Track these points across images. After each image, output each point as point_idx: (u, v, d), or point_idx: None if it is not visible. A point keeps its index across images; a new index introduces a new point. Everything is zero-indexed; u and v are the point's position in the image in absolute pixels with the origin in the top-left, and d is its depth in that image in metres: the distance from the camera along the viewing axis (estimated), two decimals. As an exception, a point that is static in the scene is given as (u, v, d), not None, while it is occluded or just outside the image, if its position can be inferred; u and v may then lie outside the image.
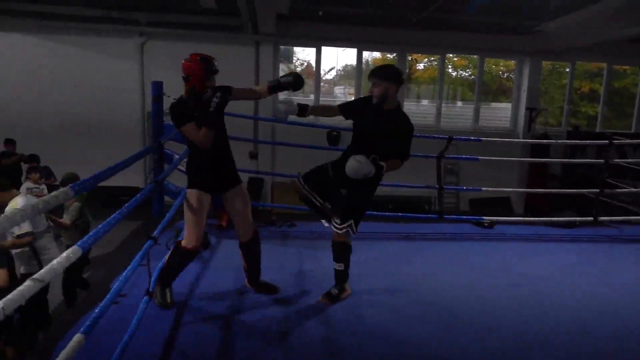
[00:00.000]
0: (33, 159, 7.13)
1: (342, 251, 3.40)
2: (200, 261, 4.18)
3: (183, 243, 3.19)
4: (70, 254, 1.56)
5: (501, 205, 8.74)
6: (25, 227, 3.97)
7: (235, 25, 9.03)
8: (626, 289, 4.03)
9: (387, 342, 2.95)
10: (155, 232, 2.96)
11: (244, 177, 4.81)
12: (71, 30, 8.98)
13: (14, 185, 5.04)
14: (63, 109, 9.28)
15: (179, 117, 3.04)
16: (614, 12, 7.42)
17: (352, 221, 3.29)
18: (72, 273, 4.94)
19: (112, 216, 2.06)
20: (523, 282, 4.09)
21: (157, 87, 5.07)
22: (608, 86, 10.85)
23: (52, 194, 1.58)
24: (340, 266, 3.43)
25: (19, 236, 3.94)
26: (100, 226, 1.95)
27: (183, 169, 5.36)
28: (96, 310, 1.99)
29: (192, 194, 3.19)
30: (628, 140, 7.29)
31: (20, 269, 4.17)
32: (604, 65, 10.79)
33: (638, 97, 10.97)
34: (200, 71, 3.03)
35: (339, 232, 3.31)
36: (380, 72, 3.25)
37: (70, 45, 9.15)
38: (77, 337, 1.75)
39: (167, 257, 3.37)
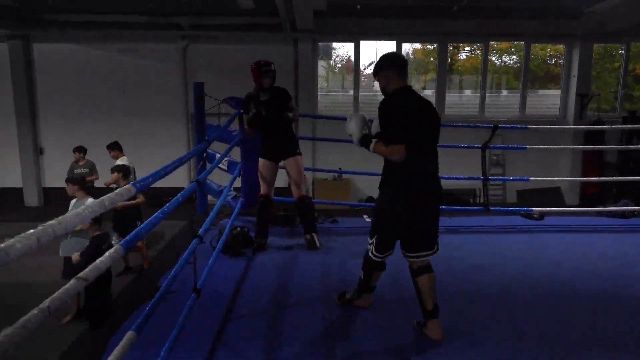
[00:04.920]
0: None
1: (365, 261, 3.16)
2: (245, 260, 4.25)
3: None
4: (113, 253, 1.62)
5: (551, 195, 8.38)
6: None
7: (273, 24, 9.10)
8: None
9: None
10: (200, 231, 3.02)
11: (286, 174, 4.88)
12: (116, 37, 9.33)
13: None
14: (111, 114, 9.66)
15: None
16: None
17: (374, 238, 2.99)
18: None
19: (153, 215, 2.11)
20: (576, 275, 3.91)
21: (199, 88, 5.18)
22: (667, 67, 10.18)
23: (117, 191, 1.64)
24: (361, 273, 3.22)
25: None
26: (142, 225, 2.00)
27: (224, 167, 5.48)
28: (147, 308, 2.05)
29: None
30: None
31: None
32: (662, 44, 10.13)
33: (701, 77, 10.24)
34: None
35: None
36: (374, 69, 3.01)
37: (116, 52, 9.50)
38: (129, 334, 1.80)
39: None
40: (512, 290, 3.62)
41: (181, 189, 2.91)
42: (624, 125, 8.86)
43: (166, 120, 9.67)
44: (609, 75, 10.92)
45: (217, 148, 5.67)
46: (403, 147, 2.70)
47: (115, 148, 6.79)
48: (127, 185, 1.63)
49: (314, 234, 4.60)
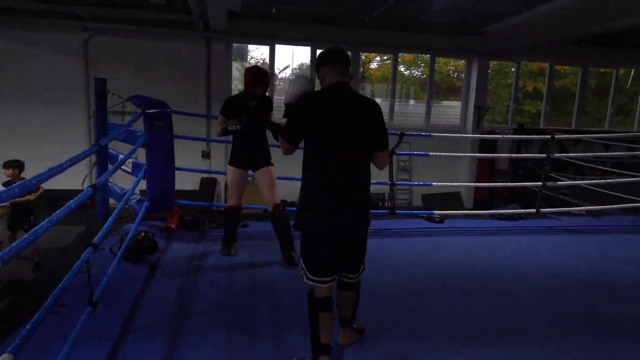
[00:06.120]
0: None
1: (307, 302, 2.66)
2: (147, 266, 4.05)
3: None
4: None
5: (452, 200, 8.98)
6: None
7: (184, 21, 8.82)
8: (567, 275, 4.24)
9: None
10: (95, 239, 2.83)
11: (197, 177, 4.73)
12: (11, 24, 8.51)
13: None
14: (2, 108, 8.79)
15: None
16: (555, 14, 7.74)
17: (302, 259, 2.67)
18: None
19: (41, 224, 1.94)
20: (471, 273, 4.22)
21: (100, 84, 4.89)
22: (550, 85, 11.35)
23: None
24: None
25: None
26: (27, 234, 1.83)
27: (128, 169, 5.20)
28: (27, 326, 1.87)
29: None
30: (568, 136, 7.65)
31: None
32: (546, 65, 11.27)
33: (577, 95, 11.53)
34: None
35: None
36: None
37: (11, 40, 8.68)
38: (4, 357, 1.60)
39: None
40: (412, 289, 3.81)
41: (81, 191, 2.70)
42: (515, 136, 9.73)
43: (65, 117, 8.99)
44: (502, 90, 11.96)
45: (121, 149, 5.37)
46: (288, 146, 2.61)
47: None
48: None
49: (292, 251, 4.22)
